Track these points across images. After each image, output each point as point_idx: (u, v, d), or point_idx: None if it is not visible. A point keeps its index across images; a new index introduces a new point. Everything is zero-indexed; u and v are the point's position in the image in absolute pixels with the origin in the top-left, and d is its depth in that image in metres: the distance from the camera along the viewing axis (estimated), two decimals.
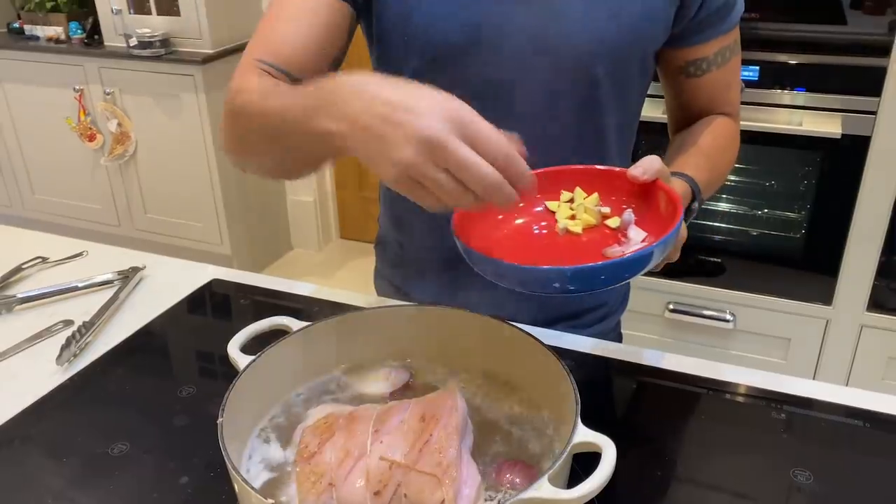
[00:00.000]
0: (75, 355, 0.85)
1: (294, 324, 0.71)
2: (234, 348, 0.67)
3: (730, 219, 2.01)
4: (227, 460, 0.53)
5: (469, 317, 0.72)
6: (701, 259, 2.00)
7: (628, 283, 1.08)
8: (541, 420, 0.67)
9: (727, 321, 2.00)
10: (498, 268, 0.59)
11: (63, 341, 0.86)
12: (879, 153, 1.73)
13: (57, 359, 0.83)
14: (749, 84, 1.78)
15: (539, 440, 0.64)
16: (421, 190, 0.55)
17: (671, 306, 2.05)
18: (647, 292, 2.06)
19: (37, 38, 2.94)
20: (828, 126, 1.73)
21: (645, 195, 0.65)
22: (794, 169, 1.88)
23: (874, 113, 1.70)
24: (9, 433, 0.74)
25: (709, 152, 0.85)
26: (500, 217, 0.68)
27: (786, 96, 1.78)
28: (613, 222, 0.66)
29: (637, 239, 0.63)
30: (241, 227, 2.91)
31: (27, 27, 2.96)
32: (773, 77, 1.77)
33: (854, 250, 1.84)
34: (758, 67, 1.77)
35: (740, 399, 0.78)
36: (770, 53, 1.76)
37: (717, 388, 0.79)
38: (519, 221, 0.69)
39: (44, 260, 1.09)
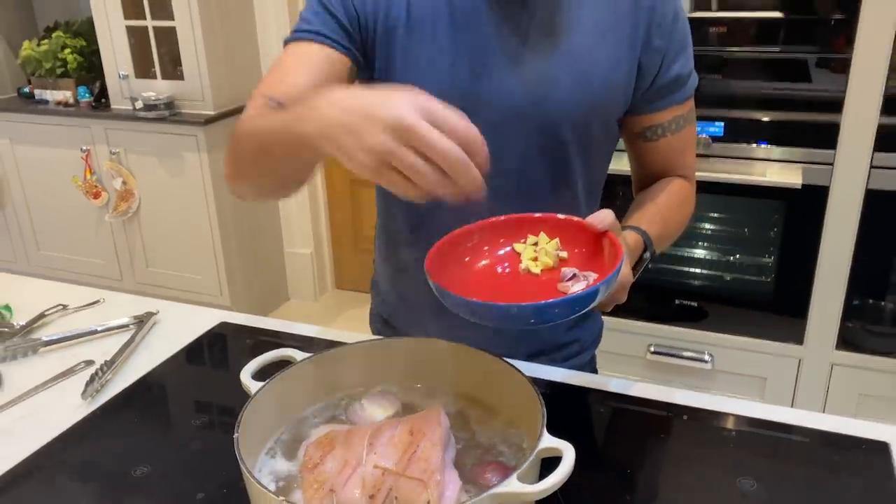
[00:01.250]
0: (98, 390, 0.94)
1: (298, 355, 0.80)
2: (245, 375, 0.76)
3: (705, 264, 2.13)
4: (241, 465, 0.62)
5: (454, 348, 0.82)
6: (679, 303, 2.11)
7: (602, 322, 1.18)
8: (518, 436, 0.76)
9: (705, 362, 2.09)
10: (468, 305, 0.68)
11: (87, 378, 0.95)
12: (837, 201, 1.86)
13: (82, 393, 0.92)
14: (716, 139, 1.92)
15: (514, 453, 0.73)
16: (396, 175, 0.59)
17: (652, 348, 2.15)
18: (629, 335, 2.15)
19: (46, 101, 3.08)
20: (789, 177, 1.86)
21: (597, 242, 0.76)
22: (763, 217, 2.01)
23: (831, 164, 1.84)
24: (40, 460, 0.82)
25: (662, 210, 0.96)
26: (467, 259, 0.78)
27: (751, 150, 1.92)
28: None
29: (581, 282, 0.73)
30: (240, 278, 3.00)
31: (37, 91, 3.11)
32: (739, 132, 1.91)
33: (821, 292, 1.95)
34: (723, 123, 1.91)
35: (693, 419, 0.87)
36: (735, 110, 1.90)
37: (675, 411, 0.88)
38: (484, 263, 0.79)
39: (64, 307, 1.18)
